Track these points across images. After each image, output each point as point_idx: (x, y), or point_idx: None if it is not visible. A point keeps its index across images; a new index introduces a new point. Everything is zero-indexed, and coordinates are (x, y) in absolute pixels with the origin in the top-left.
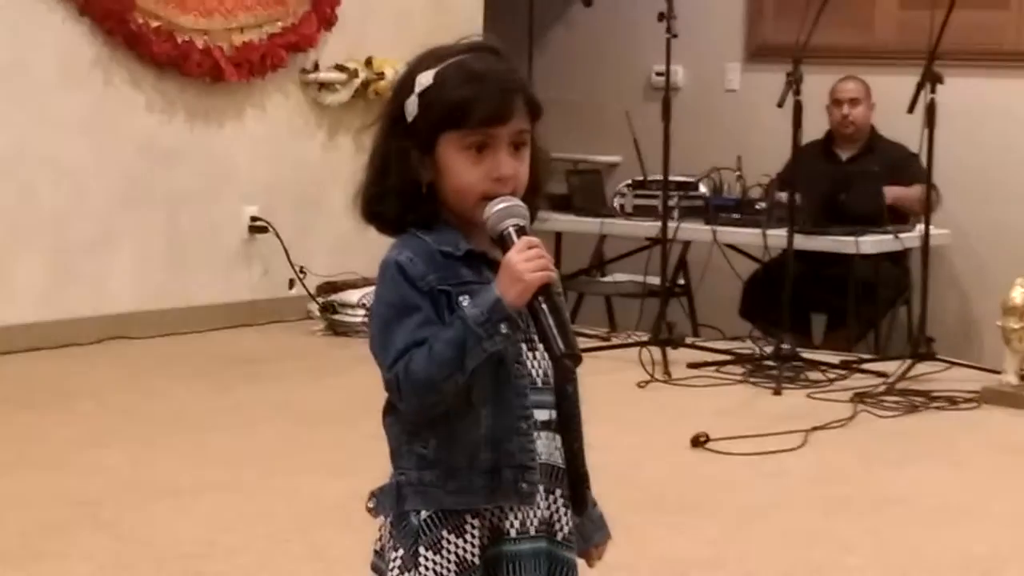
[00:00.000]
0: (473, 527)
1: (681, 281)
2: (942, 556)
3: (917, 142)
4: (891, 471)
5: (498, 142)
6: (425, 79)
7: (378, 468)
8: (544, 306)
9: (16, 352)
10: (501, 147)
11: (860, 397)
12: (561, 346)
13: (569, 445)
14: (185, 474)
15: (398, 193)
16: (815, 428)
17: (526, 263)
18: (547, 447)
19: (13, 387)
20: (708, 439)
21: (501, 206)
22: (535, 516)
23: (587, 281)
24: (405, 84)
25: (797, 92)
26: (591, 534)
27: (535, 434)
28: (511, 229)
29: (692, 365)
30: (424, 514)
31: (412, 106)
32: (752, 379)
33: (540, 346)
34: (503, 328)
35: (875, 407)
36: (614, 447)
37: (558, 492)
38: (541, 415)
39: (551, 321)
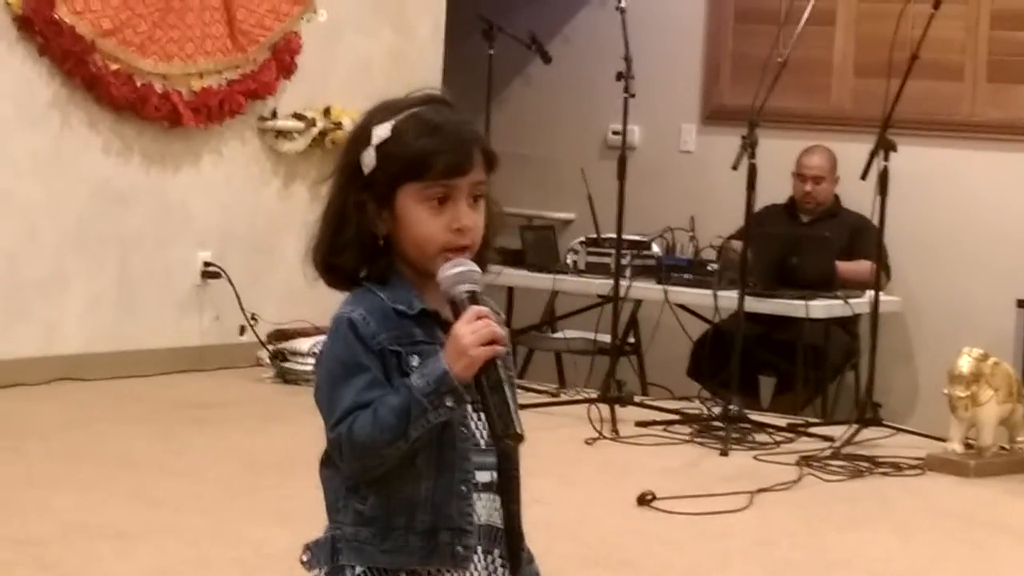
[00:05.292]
0: None
1: (631, 339)
2: None
3: (870, 209)
4: (835, 535)
5: (458, 193)
6: (382, 131)
7: (323, 518)
8: (488, 383)
9: None
10: (461, 198)
11: (806, 460)
12: (501, 427)
13: (507, 506)
14: (130, 518)
15: (356, 246)
16: (761, 490)
17: (472, 335)
18: (487, 508)
19: None
20: (654, 498)
21: (455, 271)
22: None
23: (538, 337)
24: (360, 136)
25: (752, 155)
26: None
27: (475, 496)
28: (464, 296)
29: (640, 423)
30: (359, 570)
31: (369, 158)
32: (699, 439)
33: None
34: (448, 401)
35: (821, 471)
36: (561, 503)
37: (496, 553)
38: (483, 477)
39: (494, 400)
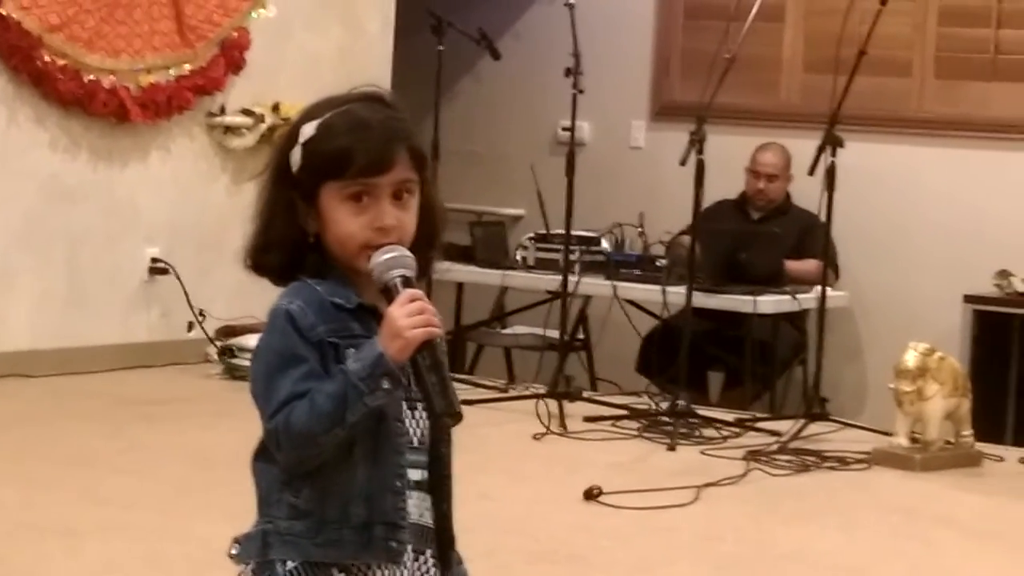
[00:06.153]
0: None
1: (580, 335)
2: None
3: (818, 205)
4: (781, 529)
5: (379, 192)
6: (309, 129)
7: None
8: (425, 363)
9: None
10: (382, 197)
11: (753, 455)
12: (441, 404)
13: (438, 506)
14: (78, 515)
15: (284, 244)
16: (707, 484)
17: (407, 318)
18: (418, 507)
19: None
20: (601, 492)
21: (386, 256)
22: None
23: (487, 333)
24: (291, 135)
25: (700, 151)
26: None
27: (407, 493)
28: (396, 280)
29: (588, 419)
30: (290, 564)
31: (296, 156)
32: (647, 434)
33: (419, 406)
34: (385, 384)
35: (767, 465)
36: (508, 498)
37: (428, 553)
38: (415, 475)
39: (432, 379)
